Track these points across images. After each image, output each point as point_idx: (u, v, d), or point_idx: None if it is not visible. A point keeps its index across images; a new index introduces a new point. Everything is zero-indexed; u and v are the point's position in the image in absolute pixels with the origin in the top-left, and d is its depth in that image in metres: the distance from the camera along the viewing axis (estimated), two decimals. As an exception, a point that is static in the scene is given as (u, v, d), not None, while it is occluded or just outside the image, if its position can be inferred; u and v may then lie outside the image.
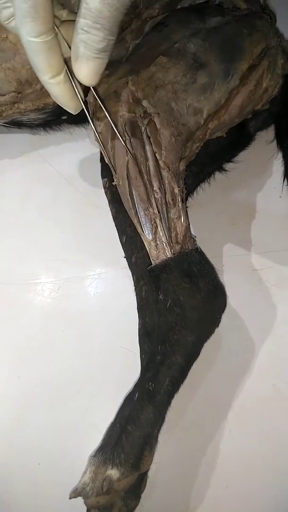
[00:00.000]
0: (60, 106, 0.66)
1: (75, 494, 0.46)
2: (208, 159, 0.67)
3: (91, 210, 0.69)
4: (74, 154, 0.73)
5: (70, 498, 0.47)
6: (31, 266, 0.65)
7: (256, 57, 0.61)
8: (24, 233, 0.67)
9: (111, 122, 0.52)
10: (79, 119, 0.72)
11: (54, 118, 0.69)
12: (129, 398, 0.51)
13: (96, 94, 0.51)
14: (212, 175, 0.71)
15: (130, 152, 0.54)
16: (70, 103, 0.50)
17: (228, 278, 0.64)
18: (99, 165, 0.68)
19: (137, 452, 0.46)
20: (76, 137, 0.74)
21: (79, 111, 0.52)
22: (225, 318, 0.56)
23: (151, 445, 0.48)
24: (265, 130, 0.74)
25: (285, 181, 0.71)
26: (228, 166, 0.72)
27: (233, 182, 0.72)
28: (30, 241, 0.67)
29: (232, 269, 0.67)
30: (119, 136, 0.53)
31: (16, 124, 0.68)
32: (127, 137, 0.55)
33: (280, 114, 0.71)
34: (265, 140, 0.75)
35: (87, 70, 0.43)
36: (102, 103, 0.52)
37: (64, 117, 0.69)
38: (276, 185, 0.72)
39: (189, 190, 0.69)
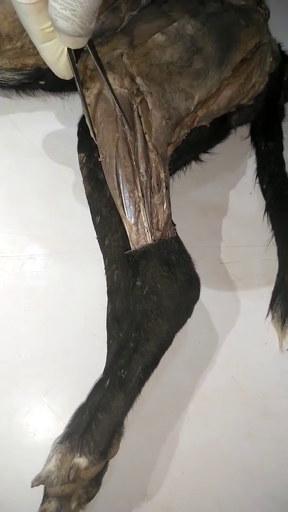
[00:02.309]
0: (38, 69, 0.62)
1: (38, 482, 0.44)
2: (188, 146, 0.66)
3: (62, 185, 0.66)
4: (47, 124, 0.68)
5: (32, 486, 0.44)
6: (-7, 238, 0.61)
7: (249, 51, 0.61)
8: (-12, 202, 0.62)
9: (112, 95, 0.50)
10: (56, 87, 0.68)
11: (31, 82, 0.64)
12: (99, 385, 0.49)
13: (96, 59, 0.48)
14: (189, 164, 0.70)
15: (122, 128, 0.52)
16: (61, 69, 0.47)
17: (196, 270, 0.64)
18: (73, 138, 0.64)
19: (106, 440, 0.45)
20: (50, 106, 0.69)
21: (70, 78, 0.48)
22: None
23: (119, 433, 0.47)
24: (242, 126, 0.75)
25: (257, 178, 0.72)
26: (204, 157, 0.71)
27: (207, 173, 0.72)
28: (-6, 211, 0.62)
29: (199, 260, 0.67)
30: (116, 110, 0.50)
31: (-12, 82, 0.62)
32: (118, 113, 0.52)
33: (259, 112, 0.71)
34: (240, 136, 0.75)
35: (68, 42, 0.42)
36: (101, 68, 0.49)
37: (41, 82, 0.64)
38: (248, 182, 0.73)
39: (165, 176, 0.67)
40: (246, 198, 0.72)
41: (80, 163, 0.62)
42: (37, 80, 0.64)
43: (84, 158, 0.62)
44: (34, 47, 0.58)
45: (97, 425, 0.45)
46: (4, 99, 0.67)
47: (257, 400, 0.61)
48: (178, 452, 0.57)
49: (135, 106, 0.53)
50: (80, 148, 0.63)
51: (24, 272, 0.60)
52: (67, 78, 0.48)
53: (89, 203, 0.61)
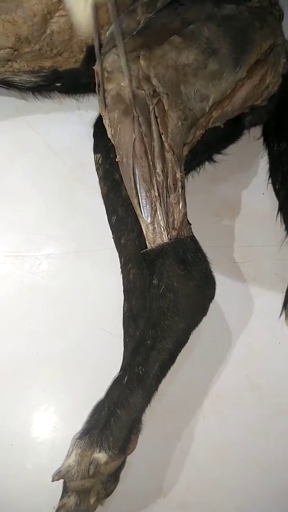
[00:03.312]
0: (55, 72, 0.63)
1: (58, 476, 0.45)
2: (202, 147, 0.67)
3: (77, 185, 0.67)
4: (63, 125, 0.69)
5: (53, 481, 0.45)
6: (11, 238, 0.62)
7: (263, 52, 0.61)
8: (5, 202, 0.63)
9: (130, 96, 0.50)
10: (72, 89, 0.69)
11: (47, 84, 0.65)
12: (117, 382, 0.50)
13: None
14: (202, 164, 0.71)
15: (137, 129, 0.52)
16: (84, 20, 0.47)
17: (210, 269, 0.65)
18: (87, 139, 0.65)
19: (125, 436, 0.46)
20: (65, 108, 0.70)
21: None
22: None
23: (138, 428, 0.48)
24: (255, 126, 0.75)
25: (270, 179, 0.73)
26: (217, 157, 0.72)
27: (220, 174, 0.72)
28: (11, 210, 0.63)
29: (213, 260, 0.68)
30: (133, 111, 0.51)
31: (6, 84, 0.64)
32: (135, 114, 0.53)
33: (272, 113, 0.72)
34: (253, 136, 0.76)
35: None
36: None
37: (58, 84, 0.65)
38: (260, 182, 0.74)
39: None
40: (259, 198, 0.73)
41: (96, 164, 0.63)
42: (54, 82, 0.65)
43: (100, 158, 0.63)
44: (52, 50, 0.60)
45: (116, 421, 0.46)
46: (21, 101, 0.68)
47: (270, 399, 0.61)
48: (193, 449, 0.57)
49: (151, 107, 0.53)
50: (96, 149, 0.63)
51: (41, 271, 0.61)
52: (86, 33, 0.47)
53: (105, 203, 0.62)
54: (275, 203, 0.70)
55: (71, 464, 0.45)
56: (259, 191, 0.73)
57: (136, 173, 0.53)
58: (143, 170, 0.53)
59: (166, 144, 0.54)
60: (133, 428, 0.47)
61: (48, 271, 0.62)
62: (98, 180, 0.63)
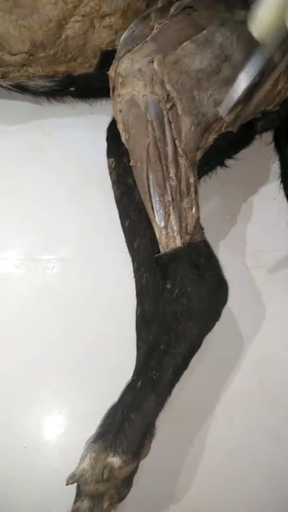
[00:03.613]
0: (69, 76, 0.64)
1: (72, 480, 0.45)
2: (214, 152, 0.67)
3: (90, 189, 0.67)
4: (76, 130, 0.70)
5: (67, 484, 0.45)
6: (24, 241, 0.62)
7: (279, 58, 0.61)
8: (19, 206, 0.64)
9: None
10: (85, 94, 0.69)
11: (61, 89, 0.65)
12: (131, 386, 0.50)
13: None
14: (214, 169, 0.71)
15: (151, 134, 0.53)
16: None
17: (222, 273, 0.65)
18: (100, 144, 0.66)
19: (139, 441, 0.46)
20: (79, 113, 0.70)
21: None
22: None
23: (151, 433, 0.48)
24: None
25: (281, 184, 0.73)
26: (229, 162, 0.72)
27: (232, 179, 0.72)
28: (24, 214, 0.63)
29: (225, 265, 0.67)
30: (147, 116, 0.51)
31: (21, 88, 0.64)
32: (149, 118, 0.53)
33: (284, 118, 0.72)
34: (264, 141, 0.76)
35: None
36: None
37: (72, 89, 0.66)
38: (271, 187, 0.74)
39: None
40: (270, 203, 0.73)
41: (109, 168, 0.63)
42: (68, 87, 0.65)
43: (114, 163, 0.63)
44: (66, 55, 0.61)
45: (130, 425, 0.46)
46: (35, 105, 0.68)
47: (283, 403, 0.61)
48: (206, 454, 0.57)
49: (165, 112, 0.54)
50: (110, 154, 0.64)
51: (54, 275, 0.62)
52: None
53: (118, 207, 0.62)
54: (287, 208, 0.70)
55: (85, 468, 0.45)
56: (270, 196, 0.73)
57: (150, 177, 0.53)
58: (157, 174, 0.53)
59: (179, 149, 0.54)
60: (147, 432, 0.47)
61: (61, 274, 0.62)
62: (111, 184, 0.63)
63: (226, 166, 0.72)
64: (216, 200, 0.71)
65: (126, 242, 0.61)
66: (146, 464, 0.54)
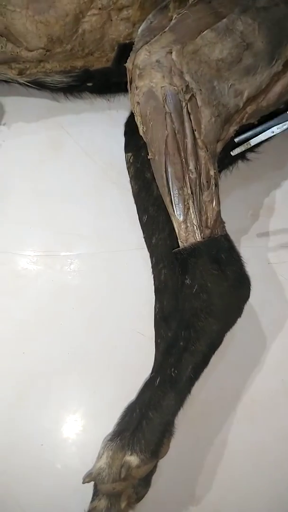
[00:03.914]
0: (87, 71, 0.63)
1: (89, 478, 0.44)
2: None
3: (108, 185, 0.66)
4: (93, 125, 0.69)
5: (83, 483, 0.44)
6: (42, 237, 0.62)
7: (302, 44, 0.59)
8: (37, 202, 0.64)
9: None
10: (103, 89, 0.68)
11: (79, 84, 0.65)
12: (149, 384, 0.49)
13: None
14: (235, 163, 0.69)
15: (170, 126, 0.51)
16: None
17: (244, 269, 0.63)
18: (118, 139, 0.65)
19: (157, 439, 0.45)
20: (96, 108, 0.70)
21: None
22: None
23: (170, 432, 0.47)
24: None
25: (306, 177, 0.70)
26: (250, 155, 0.70)
27: (254, 172, 0.70)
28: (42, 210, 0.63)
29: (247, 261, 0.65)
30: (166, 108, 0.50)
31: (38, 85, 0.64)
32: (168, 110, 0.52)
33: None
34: (286, 135, 0.73)
35: None
36: None
37: (89, 84, 0.65)
38: (297, 179, 0.71)
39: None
40: (294, 196, 0.70)
41: (127, 163, 0.63)
42: (85, 82, 0.65)
43: (131, 157, 0.62)
44: (83, 49, 0.60)
45: (148, 424, 0.45)
46: (53, 102, 0.68)
47: (309, 405, 0.59)
48: (227, 455, 0.55)
49: (184, 103, 0.52)
50: (127, 148, 0.63)
51: (72, 271, 0.61)
52: None
53: (136, 202, 0.62)
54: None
55: (102, 466, 0.44)
56: (296, 189, 0.71)
57: (169, 170, 0.52)
58: (176, 167, 0.52)
59: (199, 141, 0.52)
60: (166, 431, 0.46)
61: (79, 271, 0.61)
62: (129, 179, 0.62)
63: (248, 159, 0.70)
64: (238, 194, 0.69)
65: (144, 237, 0.60)
66: (165, 464, 0.53)
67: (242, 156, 0.70)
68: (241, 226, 0.67)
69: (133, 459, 0.43)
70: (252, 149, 0.71)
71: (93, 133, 0.69)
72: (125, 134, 0.64)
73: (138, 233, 0.61)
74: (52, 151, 0.67)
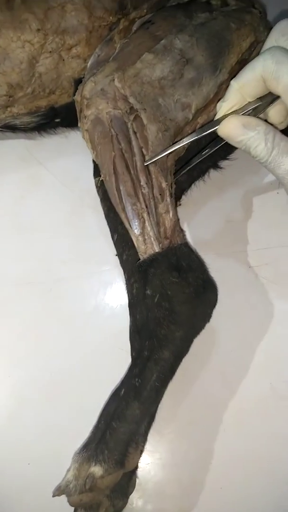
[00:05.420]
0: (52, 109, 0.68)
1: (58, 492, 0.45)
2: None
3: (85, 210, 0.69)
4: (69, 157, 0.73)
5: (53, 496, 0.46)
6: (25, 267, 0.66)
7: (245, 51, 0.61)
8: (19, 235, 0.68)
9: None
10: (72, 122, 0.73)
11: (48, 121, 0.70)
12: (115, 394, 0.50)
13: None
14: (207, 173, 0.70)
15: (116, 147, 0.54)
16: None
17: (224, 275, 0.62)
18: (92, 167, 0.68)
19: (121, 449, 0.45)
20: (71, 140, 0.74)
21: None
22: (220, 315, 0.55)
23: (136, 442, 0.47)
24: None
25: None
26: (223, 163, 0.71)
27: (229, 179, 0.71)
28: (24, 242, 0.67)
29: (228, 266, 0.66)
30: (111, 131, 0.53)
31: (10, 128, 0.69)
32: (113, 133, 0.55)
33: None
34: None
35: None
36: None
37: (57, 120, 0.70)
38: (273, 181, 0.71)
39: (183, 187, 0.68)
40: (273, 197, 0.70)
41: (96, 187, 0.66)
42: (53, 119, 0.69)
43: (99, 181, 0.65)
44: (44, 90, 0.65)
45: (111, 434, 0.46)
46: (30, 141, 0.73)
47: (300, 408, 0.57)
48: (215, 465, 0.54)
49: (129, 124, 0.55)
50: (95, 173, 0.66)
51: (53, 296, 0.64)
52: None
53: (107, 222, 0.64)
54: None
55: (69, 479, 0.45)
56: (272, 190, 0.71)
57: (120, 188, 0.54)
58: (127, 184, 0.54)
59: (147, 157, 0.55)
60: (131, 441, 0.46)
61: (59, 295, 0.64)
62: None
63: (221, 168, 0.71)
64: (214, 203, 0.70)
65: (117, 255, 0.62)
66: (150, 477, 0.53)
67: (214, 164, 0.71)
68: (218, 234, 0.68)
69: (97, 470, 0.44)
70: (225, 156, 0.72)
71: (69, 164, 0.73)
72: (94, 160, 0.67)
73: (114, 252, 0.63)
74: (31, 186, 0.71)
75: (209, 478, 0.54)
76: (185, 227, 0.68)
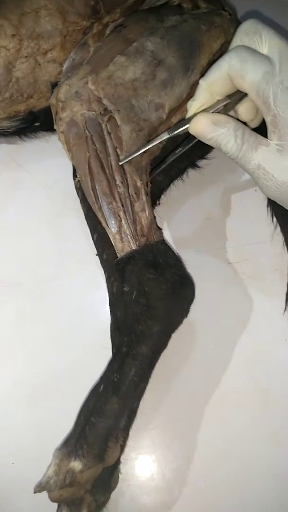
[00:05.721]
0: (31, 113, 0.69)
1: (39, 488, 0.46)
2: (179, 156, 0.68)
3: (67, 211, 0.70)
4: (50, 160, 0.74)
5: (34, 492, 0.46)
6: (8, 268, 0.66)
7: (216, 52, 0.62)
8: (1, 238, 0.68)
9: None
10: (53, 126, 0.74)
11: (27, 125, 0.71)
12: (94, 390, 0.50)
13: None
14: (185, 172, 0.71)
15: (91, 147, 0.55)
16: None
17: (204, 272, 0.64)
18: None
19: (100, 443, 0.46)
20: (51, 143, 0.75)
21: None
22: (201, 311, 0.57)
23: (116, 436, 0.48)
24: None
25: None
26: (201, 163, 0.72)
27: (208, 178, 0.72)
28: (7, 244, 0.68)
29: (208, 263, 0.67)
30: (86, 132, 0.54)
31: (-10, 133, 0.70)
32: (88, 134, 0.56)
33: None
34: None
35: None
36: None
37: (37, 124, 0.71)
38: (251, 179, 0.71)
39: (162, 187, 0.69)
40: (251, 195, 0.71)
41: (76, 188, 0.67)
42: (33, 123, 0.70)
43: (78, 182, 0.66)
44: (22, 94, 0.66)
45: (90, 429, 0.46)
46: (11, 145, 0.74)
47: (280, 400, 0.58)
48: (198, 459, 0.55)
49: (104, 125, 0.56)
50: (74, 175, 0.67)
51: (36, 297, 0.65)
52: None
53: (87, 223, 0.65)
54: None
55: (50, 475, 0.46)
56: (251, 188, 0.72)
57: (96, 188, 0.55)
58: (102, 184, 0.55)
59: (122, 157, 0.56)
60: (110, 435, 0.47)
61: (42, 295, 0.65)
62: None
63: (199, 167, 0.72)
64: (193, 201, 0.71)
65: (97, 254, 0.63)
66: (133, 473, 0.54)
67: (192, 164, 0.72)
68: (197, 231, 0.69)
69: (76, 464, 0.45)
70: (202, 155, 0.73)
71: (50, 166, 0.74)
72: (73, 162, 0.68)
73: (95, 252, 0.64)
74: (13, 190, 0.72)
75: (192, 472, 0.54)
76: (165, 225, 0.69)
